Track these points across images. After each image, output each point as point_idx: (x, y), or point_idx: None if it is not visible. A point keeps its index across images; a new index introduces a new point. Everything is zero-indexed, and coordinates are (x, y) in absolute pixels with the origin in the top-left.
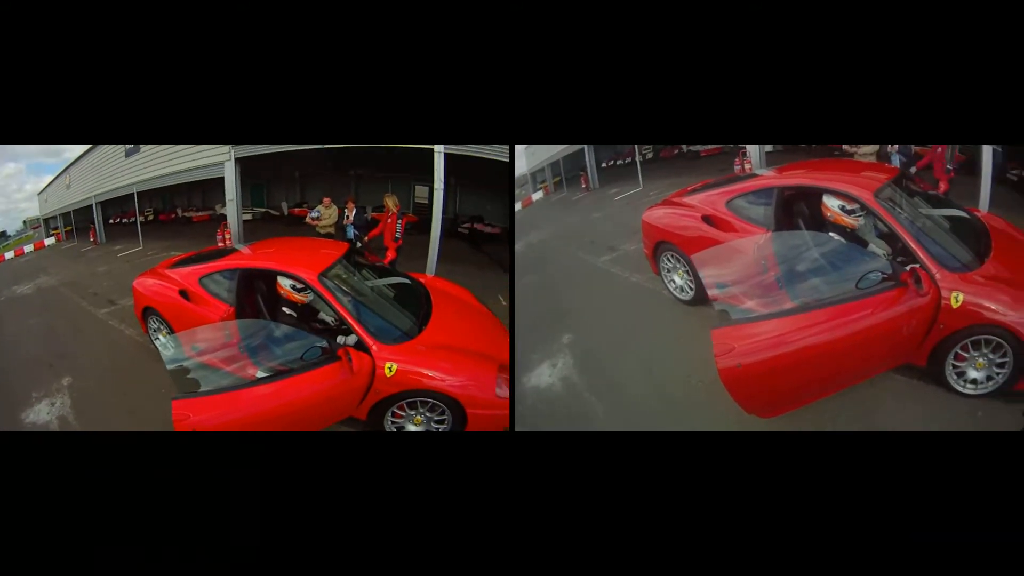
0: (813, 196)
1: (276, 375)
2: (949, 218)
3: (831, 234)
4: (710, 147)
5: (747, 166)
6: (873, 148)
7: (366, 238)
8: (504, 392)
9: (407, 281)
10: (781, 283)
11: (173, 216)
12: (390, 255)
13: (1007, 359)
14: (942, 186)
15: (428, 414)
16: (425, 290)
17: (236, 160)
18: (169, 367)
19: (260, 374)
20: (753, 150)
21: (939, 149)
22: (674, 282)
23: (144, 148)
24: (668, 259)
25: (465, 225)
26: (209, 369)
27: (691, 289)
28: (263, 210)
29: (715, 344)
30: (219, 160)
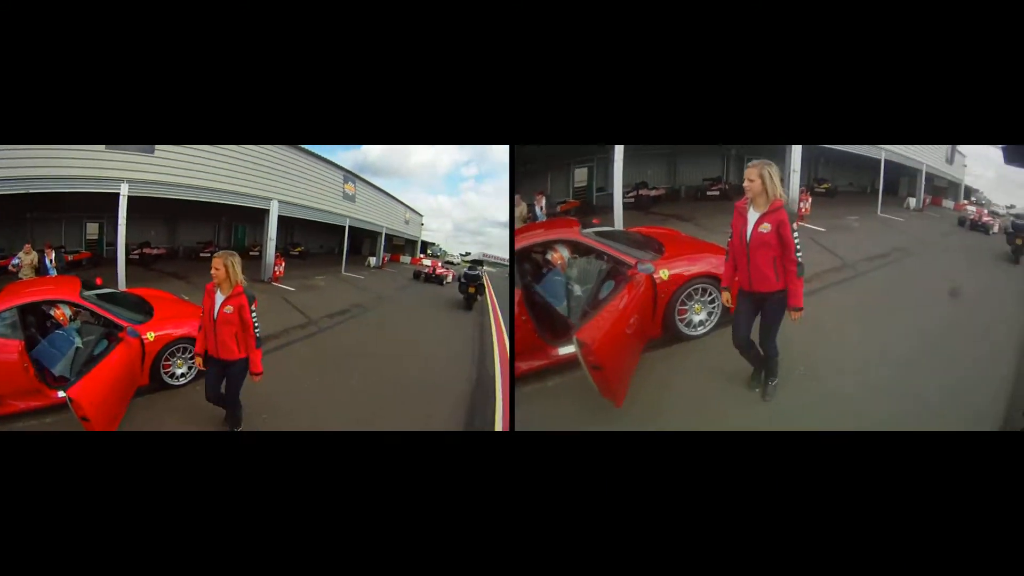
0: (537, 250)
1: (89, 363)
2: (623, 234)
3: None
4: None
5: None
6: (522, 214)
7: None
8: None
9: (121, 291)
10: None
11: None
12: None
13: (714, 295)
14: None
15: (182, 356)
16: (136, 296)
17: None
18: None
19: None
20: None
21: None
22: None
23: None
24: None
25: (135, 252)
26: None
27: None
28: None
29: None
30: None
